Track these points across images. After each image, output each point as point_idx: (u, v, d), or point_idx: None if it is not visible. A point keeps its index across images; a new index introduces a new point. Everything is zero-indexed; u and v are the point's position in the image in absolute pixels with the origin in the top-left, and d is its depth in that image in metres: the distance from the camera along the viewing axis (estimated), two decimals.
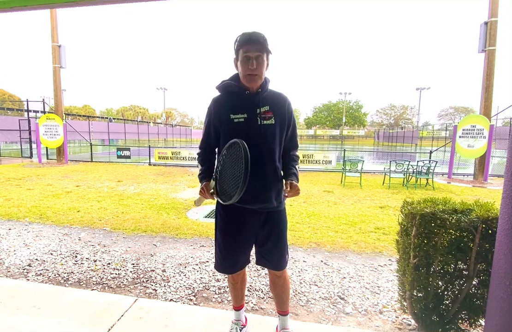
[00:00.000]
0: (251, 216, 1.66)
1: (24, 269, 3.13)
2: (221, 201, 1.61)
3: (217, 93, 1.70)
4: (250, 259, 1.84)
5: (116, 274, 3.06)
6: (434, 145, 28.38)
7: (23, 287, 2.59)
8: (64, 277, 2.98)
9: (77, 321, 2.10)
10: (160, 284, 2.86)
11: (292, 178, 1.66)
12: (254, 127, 1.57)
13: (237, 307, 1.95)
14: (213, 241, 4.17)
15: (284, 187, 1.67)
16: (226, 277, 2.58)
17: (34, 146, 15.61)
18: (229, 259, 1.74)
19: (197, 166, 1.83)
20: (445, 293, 2.00)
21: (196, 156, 1.82)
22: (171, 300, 2.60)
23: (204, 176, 1.71)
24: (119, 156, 14.28)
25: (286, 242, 1.77)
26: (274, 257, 1.73)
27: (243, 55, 1.53)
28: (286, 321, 1.88)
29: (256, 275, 3.03)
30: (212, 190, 1.64)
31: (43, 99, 17.55)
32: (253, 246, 1.78)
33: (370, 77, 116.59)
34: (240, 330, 1.93)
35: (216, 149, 1.77)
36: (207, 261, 3.36)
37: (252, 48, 1.50)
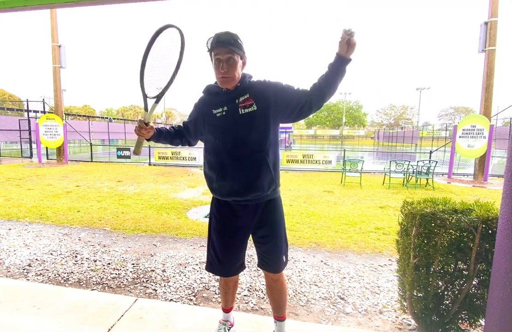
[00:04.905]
0: (243, 210, 1.63)
1: (24, 269, 3.13)
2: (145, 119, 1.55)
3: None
4: (246, 264, 1.80)
5: (116, 274, 3.06)
6: (434, 145, 28.37)
7: (23, 287, 2.59)
8: (64, 277, 2.98)
9: (77, 321, 2.10)
10: (160, 284, 2.86)
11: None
12: (235, 117, 1.55)
13: (227, 310, 1.94)
14: None
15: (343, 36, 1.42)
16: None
17: (34, 146, 15.61)
18: (224, 261, 1.72)
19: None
20: (445, 293, 2.00)
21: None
22: (171, 300, 2.60)
23: (159, 130, 1.68)
24: (119, 156, 14.26)
25: (284, 239, 1.71)
26: (271, 257, 1.69)
27: (214, 58, 1.51)
28: (283, 327, 1.85)
29: (256, 275, 3.03)
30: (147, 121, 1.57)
31: (43, 99, 17.55)
32: (254, 247, 1.77)
33: (370, 77, 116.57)
34: (228, 330, 1.94)
35: (189, 142, 1.79)
36: None
37: (222, 50, 1.46)
